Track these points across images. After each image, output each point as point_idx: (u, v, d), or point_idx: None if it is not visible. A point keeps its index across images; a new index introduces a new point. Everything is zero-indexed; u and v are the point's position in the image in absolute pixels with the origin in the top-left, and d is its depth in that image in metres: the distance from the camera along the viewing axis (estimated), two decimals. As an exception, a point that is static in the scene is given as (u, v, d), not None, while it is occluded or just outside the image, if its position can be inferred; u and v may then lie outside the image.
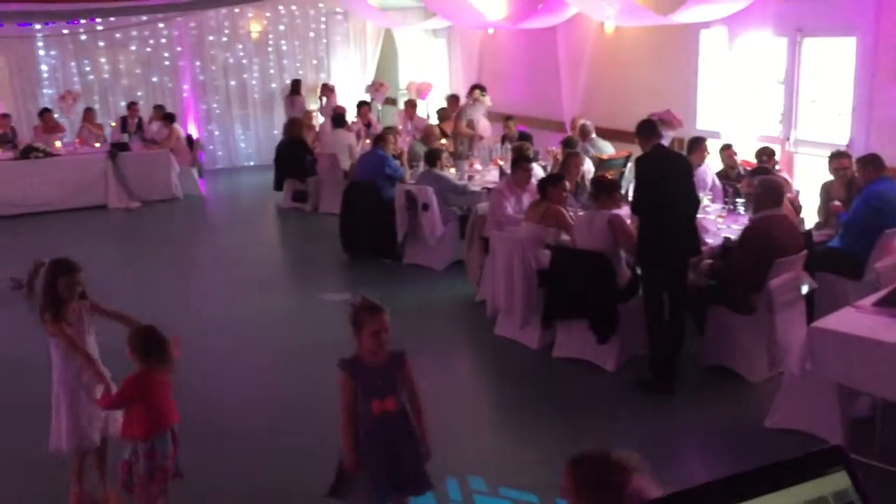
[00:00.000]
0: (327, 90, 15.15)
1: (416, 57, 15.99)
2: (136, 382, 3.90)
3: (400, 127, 12.78)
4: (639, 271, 6.03)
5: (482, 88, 11.73)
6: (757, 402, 5.37)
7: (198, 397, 5.65)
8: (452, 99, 12.78)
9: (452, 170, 9.46)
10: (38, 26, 13.98)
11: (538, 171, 8.65)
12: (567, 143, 8.88)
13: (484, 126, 11.76)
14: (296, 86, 15.46)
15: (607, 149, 9.39)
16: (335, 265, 9.29)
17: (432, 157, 8.94)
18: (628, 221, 6.13)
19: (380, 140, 9.61)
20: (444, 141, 10.95)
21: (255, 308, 7.84)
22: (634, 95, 10.09)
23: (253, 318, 7.58)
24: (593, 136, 9.52)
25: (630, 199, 6.20)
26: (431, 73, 15.58)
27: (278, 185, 12.48)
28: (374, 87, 15.42)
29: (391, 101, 16.18)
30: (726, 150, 8.02)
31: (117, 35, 14.91)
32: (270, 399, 5.82)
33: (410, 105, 13.76)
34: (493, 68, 13.81)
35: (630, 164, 8.44)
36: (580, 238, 6.14)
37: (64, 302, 4.21)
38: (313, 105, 15.77)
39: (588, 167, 8.26)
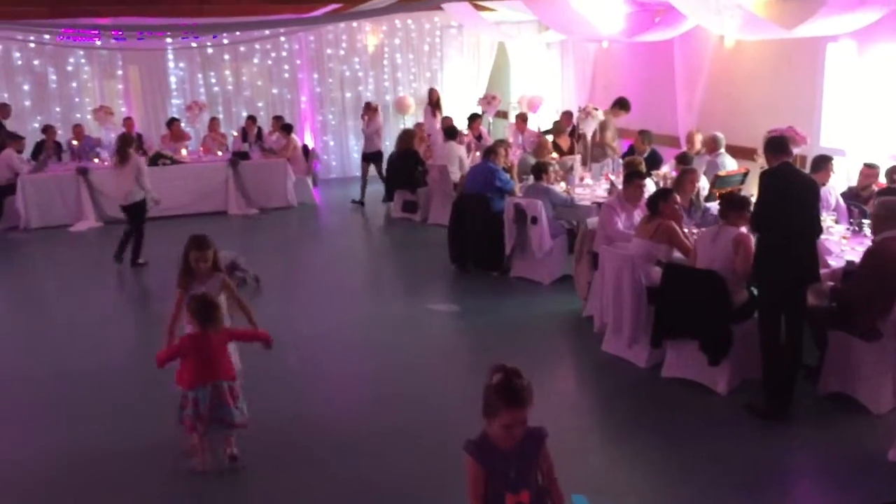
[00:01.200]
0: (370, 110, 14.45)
1: (529, 70, 15.99)
2: (189, 340, 4.76)
3: (511, 140, 12.80)
4: (755, 292, 5.82)
5: (623, 104, 11.40)
6: (880, 435, 5.09)
7: (305, 400, 5.80)
8: (566, 115, 12.72)
9: (562, 183, 9.41)
10: (169, 40, 14.72)
11: (650, 187, 8.51)
12: (682, 159, 8.69)
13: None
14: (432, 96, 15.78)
15: (730, 164, 9.12)
16: (442, 276, 9.37)
17: (539, 171, 8.91)
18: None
19: (490, 152, 9.65)
20: (555, 155, 10.90)
21: (363, 315, 7.99)
22: (753, 111, 9.78)
23: (360, 324, 7.73)
24: (722, 150, 9.26)
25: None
26: (543, 87, 15.55)
27: (389, 196, 12.72)
28: (486, 100, 15.49)
29: (502, 115, 16.24)
30: (868, 169, 7.65)
31: (242, 48, 15.56)
32: (372, 406, 5.90)
33: (521, 118, 13.77)
34: (605, 82, 13.67)
35: (747, 181, 8.19)
36: (702, 253, 5.98)
37: (193, 271, 5.12)
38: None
39: (703, 183, 8.06)
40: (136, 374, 6.54)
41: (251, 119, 14.78)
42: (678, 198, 6.72)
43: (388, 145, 14.60)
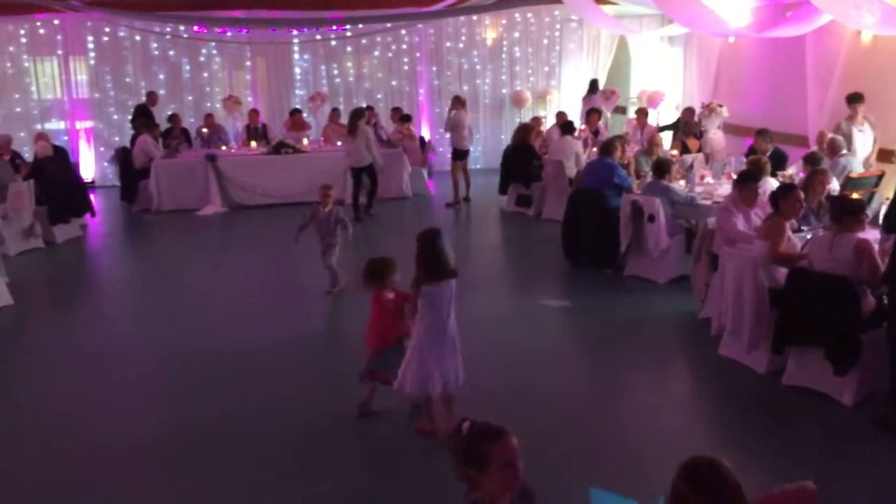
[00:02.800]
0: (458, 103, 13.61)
1: (649, 65, 15.67)
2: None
3: (629, 136, 12.59)
4: (885, 300, 5.54)
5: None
6: None
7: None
8: (688, 111, 12.42)
9: (682, 181, 9.19)
10: (295, 32, 15.19)
11: (774, 186, 8.20)
12: (811, 160, 8.33)
13: (718, 138, 11.31)
14: (593, 85, 15.73)
15: (856, 166, 8.71)
16: (555, 271, 9.32)
17: (661, 168, 8.73)
18: (876, 246, 5.66)
19: (608, 148, 9.52)
20: (674, 153, 10.67)
21: (475, 308, 8.02)
22: (890, 111, 9.29)
23: (473, 318, 7.74)
24: (845, 151, 8.86)
25: (882, 219, 5.71)
26: (664, 82, 15.21)
27: (503, 189, 12.72)
28: (605, 95, 15.29)
29: (621, 110, 15.98)
30: None
31: (363, 41, 15.89)
32: (487, 398, 5.93)
33: (642, 114, 13.51)
34: (730, 78, 13.25)
35: (882, 183, 7.79)
36: (817, 261, 5.74)
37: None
38: (542, 111, 15.91)
39: (834, 186, 7.71)
40: (273, 349, 6.83)
41: (370, 110, 15.06)
42: (802, 195, 6.45)
43: (503, 139, 14.64)
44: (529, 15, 16.24)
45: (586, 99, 15.41)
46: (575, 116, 13.78)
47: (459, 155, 13.22)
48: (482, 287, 8.74)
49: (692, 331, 7.25)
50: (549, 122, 15.17)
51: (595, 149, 11.57)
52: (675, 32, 13.92)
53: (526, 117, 15.33)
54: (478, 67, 16.40)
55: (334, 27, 15.03)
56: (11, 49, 14.87)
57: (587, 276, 8.97)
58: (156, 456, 5.19)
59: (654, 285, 8.50)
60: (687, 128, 11.93)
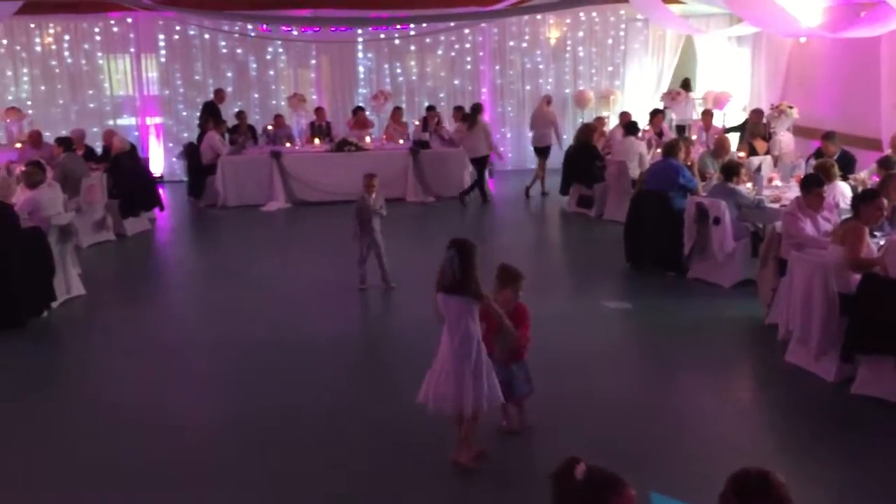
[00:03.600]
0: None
1: (717, 66, 15.40)
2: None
3: (694, 137, 12.39)
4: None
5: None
6: None
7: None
8: (756, 113, 12.18)
9: (749, 184, 9.01)
10: (360, 31, 15.34)
11: (844, 190, 8.00)
12: (885, 163, 8.10)
13: (787, 140, 11.06)
14: (685, 84, 15.75)
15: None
16: (616, 273, 9.22)
17: (730, 171, 8.58)
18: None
19: (673, 149, 9.38)
20: (741, 155, 10.47)
21: (534, 309, 7.98)
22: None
23: (534, 318, 7.74)
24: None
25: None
26: (731, 83, 14.93)
27: (564, 189, 12.64)
28: (671, 96, 15.07)
29: (685, 111, 15.72)
30: None
31: (427, 40, 15.97)
32: (546, 400, 5.90)
33: (707, 115, 13.29)
34: (801, 79, 12.94)
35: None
36: (894, 267, 5.57)
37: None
38: (604, 111, 15.77)
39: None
40: (339, 343, 6.93)
41: (431, 109, 15.13)
42: (885, 203, 6.27)
43: (565, 139, 14.55)
44: (594, 14, 16.10)
45: (675, 98, 15.11)
46: (643, 117, 13.60)
47: (536, 151, 14.16)
48: (541, 287, 8.67)
49: (757, 336, 7.11)
50: (612, 122, 15.03)
51: (659, 150, 11.43)
52: (744, 32, 13.66)
53: (588, 117, 15.20)
54: (541, 67, 16.33)
55: (398, 26, 15.15)
56: (86, 47, 15.33)
57: (649, 279, 8.86)
58: (222, 447, 5.31)
59: (719, 289, 8.35)
60: (755, 129, 11.69)
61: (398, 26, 15.21)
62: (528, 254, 10.38)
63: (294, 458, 5.07)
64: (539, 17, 15.81)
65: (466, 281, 4.66)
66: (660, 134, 13.00)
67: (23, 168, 9.21)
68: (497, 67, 16.28)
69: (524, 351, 5.19)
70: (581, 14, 16.03)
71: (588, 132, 12.40)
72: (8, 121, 14.37)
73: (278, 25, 14.73)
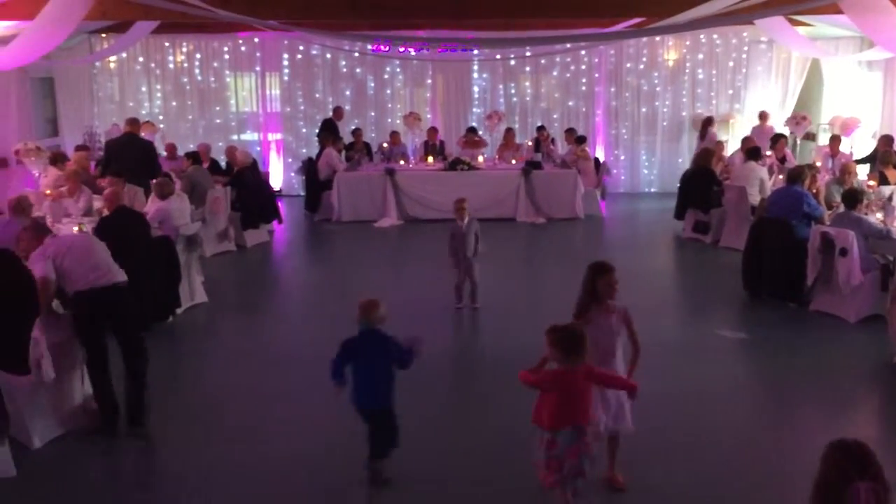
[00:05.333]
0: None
1: (845, 90, 14.78)
2: (555, 375, 4.24)
3: (819, 164, 11.92)
4: None
5: None
6: None
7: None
8: (885, 139, 11.62)
9: (879, 214, 8.59)
10: (475, 52, 15.50)
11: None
12: None
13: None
14: (708, 120, 15.23)
15: None
16: (732, 302, 8.94)
17: (852, 199, 8.20)
18: None
19: (797, 176, 9.05)
20: (871, 184, 10.00)
21: (645, 335, 7.81)
22: None
23: (643, 345, 7.58)
24: None
25: None
26: (860, 109, 14.29)
27: (679, 214, 12.36)
28: (795, 121, 14.57)
29: (810, 136, 15.16)
30: None
31: (542, 61, 15.98)
32: (656, 434, 5.76)
33: (835, 141, 12.77)
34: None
35: None
36: None
37: (599, 299, 4.77)
38: (724, 135, 15.37)
39: None
40: (452, 360, 6.98)
41: (542, 129, 15.10)
42: None
43: (681, 162, 14.27)
44: (715, 36, 15.75)
45: (800, 123, 14.59)
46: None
47: None
48: (654, 313, 8.50)
49: (885, 376, 6.76)
50: (731, 146, 14.64)
51: (781, 176, 11.05)
52: (876, 57, 13.06)
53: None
54: (658, 89, 16.07)
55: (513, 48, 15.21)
56: (215, 65, 16.06)
57: (768, 309, 8.54)
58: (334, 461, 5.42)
59: (844, 323, 7.98)
60: (885, 157, 11.15)
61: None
62: (638, 278, 10.14)
63: (402, 468, 5.12)
64: (658, 38, 15.58)
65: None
66: (782, 160, 12.56)
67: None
68: (612, 89, 16.12)
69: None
70: (701, 36, 15.70)
71: (707, 157, 12.12)
72: (143, 134, 15.17)
73: (397, 45, 15.04)
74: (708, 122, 15.11)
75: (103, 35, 14.80)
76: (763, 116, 14.98)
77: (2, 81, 12.38)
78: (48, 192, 9.91)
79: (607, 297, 4.76)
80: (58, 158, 11.08)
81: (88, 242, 6.13)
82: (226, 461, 5.36)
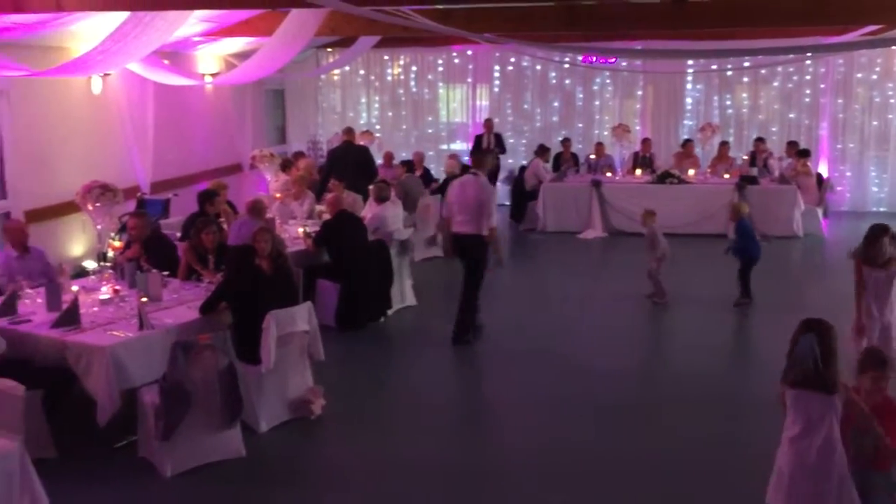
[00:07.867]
0: None
1: None
2: None
3: None
4: None
5: None
6: None
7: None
8: None
9: None
10: (690, 62, 15.06)
11: None
12: None
13: None
14: None
15: None
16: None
17: None
18: None
19: None
20: None
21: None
22: None
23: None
24: None
25: None
26: None
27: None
28: None
29: None
30: None
31: (762, 71, 15.26)
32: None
33: None
34: None
35: None
36: None
37: None
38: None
39: None
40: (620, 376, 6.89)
41: (760, 141, 14.40)
42: None
43: None
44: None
45: None
46: None
47: None
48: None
49: None
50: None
51: None
52: None
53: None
54: (892, 101, 14.86)
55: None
56: (430, 77, 16.69)
57: None
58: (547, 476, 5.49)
59: None
60: None
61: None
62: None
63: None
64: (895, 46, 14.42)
65: (830, 373, 3.85)
66: None
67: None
68: (840, 101, 15.09)
69: (890, 461, 4.03)
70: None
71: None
72: (362, 143, 16.06)
73: (608, 57, 14.92)
74: None
75: (329, 49, 15.80)
76: None
77: (240, 93, 13.58)
78: (278, 195, 10.73)
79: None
80: (287, 164, 11.99)
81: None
82: (433, 455, 5.57)
